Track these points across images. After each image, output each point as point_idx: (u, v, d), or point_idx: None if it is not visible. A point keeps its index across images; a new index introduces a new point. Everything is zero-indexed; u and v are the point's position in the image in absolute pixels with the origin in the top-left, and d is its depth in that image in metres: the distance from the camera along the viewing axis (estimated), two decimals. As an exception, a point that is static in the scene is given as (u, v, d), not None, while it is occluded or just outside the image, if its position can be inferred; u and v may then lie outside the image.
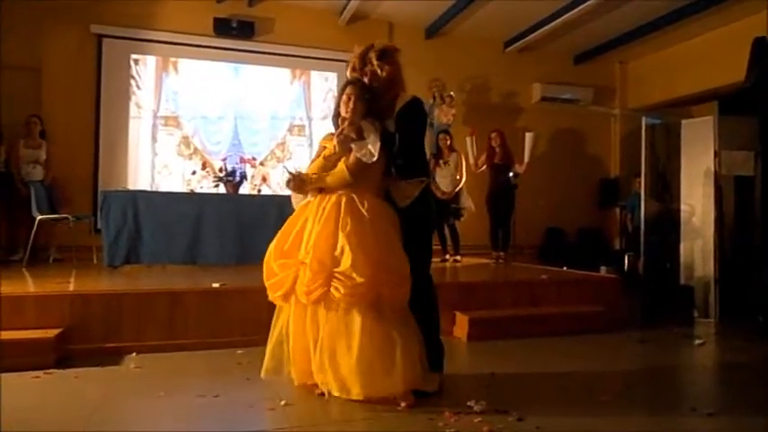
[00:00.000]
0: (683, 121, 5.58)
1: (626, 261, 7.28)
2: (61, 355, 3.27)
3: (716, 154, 5.18)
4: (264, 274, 2.75)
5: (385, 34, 8.01)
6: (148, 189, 6.98)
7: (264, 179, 7.58)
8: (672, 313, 5.12)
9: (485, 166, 6.88)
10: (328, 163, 2.78)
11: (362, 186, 2.71)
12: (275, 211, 5.67)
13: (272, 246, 2.78)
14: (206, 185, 6.72)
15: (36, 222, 5.71)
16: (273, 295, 2.72)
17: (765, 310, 4.60)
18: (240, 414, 2.51)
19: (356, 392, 2.48)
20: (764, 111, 5.12)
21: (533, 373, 3.25)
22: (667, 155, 5.62)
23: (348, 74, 3.03)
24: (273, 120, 7.82)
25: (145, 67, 7.35)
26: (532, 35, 8.04)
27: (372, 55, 2.87)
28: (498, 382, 3.02)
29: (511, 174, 6.68)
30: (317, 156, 2.92)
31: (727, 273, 5.11)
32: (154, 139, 7.34)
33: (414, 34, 8.18)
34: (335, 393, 2.53)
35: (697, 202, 5.34)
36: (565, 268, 5.78)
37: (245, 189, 6.47)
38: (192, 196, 6.03)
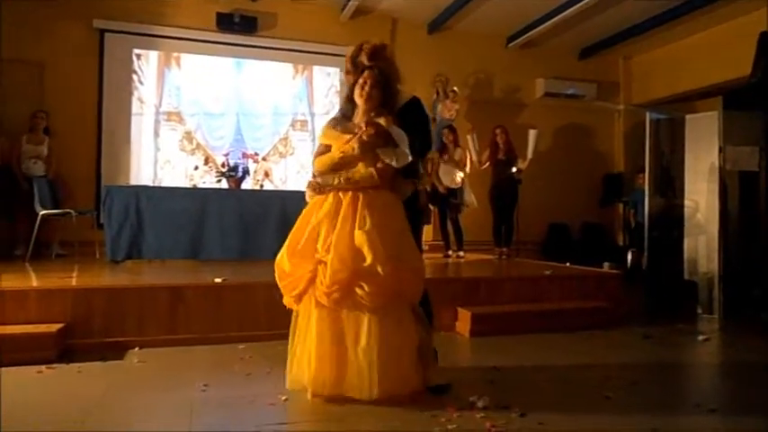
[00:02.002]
0: (688, 117, 5.54)
1: (629, 257, 7.27)
2: (64, 349, 3.28)
3: (720, 149, 5.14)
4: (277, 275, 2.64)
5: (387, 29, 7.99)
6: (151, 184, 6.98)
7: (267, 174, 7.53)
8: (675, 309, 5.11)
9: (488, 163, 6.85)
10: (344, 162, 2.63)
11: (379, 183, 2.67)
12: (278, 205, 5.70)
13: (284, 246, 2.64)
14: (208, 181, 6.71)
15: (39, 217, 5.72)
16: (288, 297, 2.62)
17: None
18: (241, 409, 2.51)
19: (377, 393, 2.44)
20: (770, 106, 5.09)
21: (536, 369, 3.23)
22: (671, 150, 5.59)
23: (345, 78, 3.00)
24: (276, 115, 7.81)
25: (147, 62, 7.34)
26: (535, 30, 8.00)
27: (364, 58, 2.83)
28: (501, 377, 3.01)
29: (514, 169, 6.66)
30: (321, 152, 2.76)
31: (731, 269, 5.08)
32: (156, 134, 7.34)
33: (416, 29, 8.15)
34: (357, 396, 2.46)
35: (701, 198, 5.31)
36: (568, 264, 5.77)
37: (247, 184, 6.46)
38: (194, 191, 6.02)
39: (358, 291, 2.46)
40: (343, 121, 2.78)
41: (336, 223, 2.55)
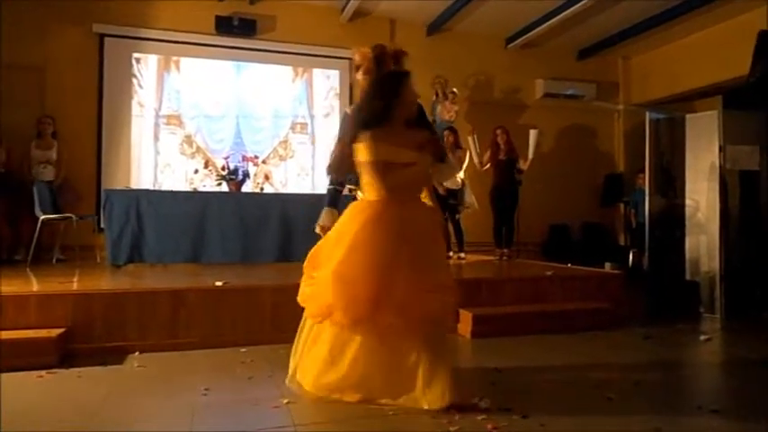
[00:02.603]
0: (688, 116, 5.54)
1: (630, 257, 7.26)
2: (64, 354, 3.27)
3: (721, 148, 5.14)
4: (335, 294, 2.44)
5: (387, 31, 8.00)
6: (151, 188, 6.99)
7: (267, 177, 7.57)
8: (677, 309, 5.09)
9: (489, 164, 6.85)
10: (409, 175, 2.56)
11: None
12: (278, 208, 5.71)
13: (334, 265, 2.46)
14: (209, 184, 6.72)
15: (39, 222, 5.72)
16: (344, 320, 2.44)
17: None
18: (243, 412, 2.50)
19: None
20: (770, 105, 5.09)
21: (538, 371, 3.22)
22: (671, 150, 5.58)
23: (360, 76, 2.97)
24: (276, 118, 7.82)
25: (146, 66, 7.35)
26: (535, 31, 8.02)
27: (389, 59, 2.87)
28: (502, 379, 3.00)
29: (514, 170, 6.67)
30: (383, 169, 2.53)
31: (732, 268, 5.08)
32: (156, 137, 7.35)
33: (415, 31, 8.16)
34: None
35: (702, 198, 5.31)
36: (569, 265, 5.76)
37: (247, 187, 6.47)
38: (194, 195, 6.03)
39: (418, 310, 2.43)
40: (385, 128, 2.55)
41: (389, 245, 2.46)
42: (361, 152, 2.56)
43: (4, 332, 3.21)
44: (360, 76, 2.95)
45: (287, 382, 2.66)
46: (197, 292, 3.81)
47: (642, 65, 9.13)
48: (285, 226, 5.68)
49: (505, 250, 6.71)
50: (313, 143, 7.95)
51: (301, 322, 2.70)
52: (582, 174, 8.92)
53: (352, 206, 2.66)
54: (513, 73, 8.70)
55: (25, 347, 3.13)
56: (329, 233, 2.67)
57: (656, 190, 5.67)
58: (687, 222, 5.41)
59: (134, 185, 6.95)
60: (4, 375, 2.90)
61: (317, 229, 2.92)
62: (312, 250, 2.68)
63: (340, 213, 2.77)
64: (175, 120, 7.45)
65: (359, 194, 3.00)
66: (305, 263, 2.68)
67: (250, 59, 7.70)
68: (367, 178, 2.59)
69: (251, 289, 3.92)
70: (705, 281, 5.20)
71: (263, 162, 7.59)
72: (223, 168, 6.31)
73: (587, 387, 2.90)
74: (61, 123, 6.63)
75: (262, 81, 7.77)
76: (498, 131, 6.83)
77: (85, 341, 3.42)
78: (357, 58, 2.98)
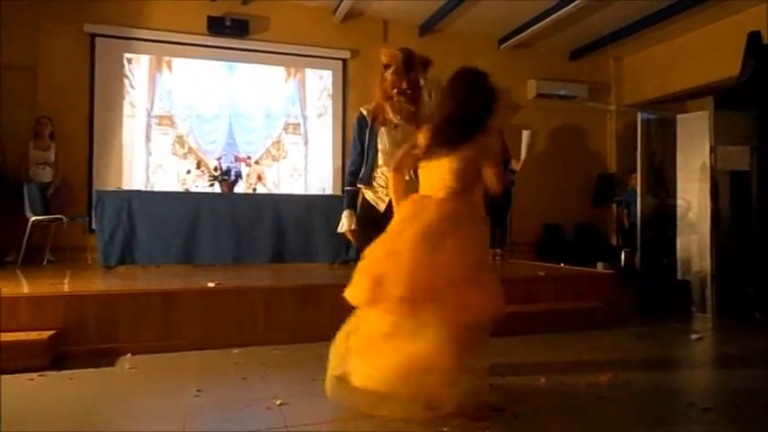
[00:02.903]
0: (679, 117, 5.56)
1: (623, 257, 7.28)
2: (56, 356, 3.24)
3: (712, 149, 5.17)
4: (407, 288, 2.31)
5: (379, 32, 8.00)
6: (143, 189, 6.95)
7: (260, 178, 7.56)
8: (669, 309, 5.12)
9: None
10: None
11: None
12: (271, 209, 5.69)
13: (444, 265, 2.37)
14: (201, 185, 6.69)
15: (30, 223, 5.68)
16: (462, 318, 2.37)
17: (762, 304, 4.59)
18: (236, 414, 2.49)
19: None
20: (760, 105, 5.11)
21: (530, 370, 3.23)
22: (663, 150, 5.61)
23: (388, 75, 3.10)
24: (268, 118, 7.80)
25: (138, 67, 7.31)
26: (527, 32, 8.04)
27: (417, 63, 3.08)
28: (495, 379, 3.00)
29: (507, 171, 6.68)
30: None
31: (723, 267, 5.11)
32: (148, 138, 7.31)
33: (408, 32, 8.16)
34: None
35: (693, 198, 5.34)
36: (562, 265, 5.78)
37: (240, 188, 6.45)
38: (186, 196, 6.02)
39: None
40: None
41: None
42: (488, 148, 2.65)
43: (-6, 334, 3.19)
44: (388, 75, 3.11)
45: (328, 391, 2.45)
46: (189, 293, 3.80)
47: (634, 65, 9.17)
48: (278, 227, 5.67)
49: (498, 251, 6.71)
50: (306, 144, 7.94)
51: (352, 325, 2.47)
52: (574, 174, 8.95)
53: (458, 206, 2.55)
54: (505, 73, 8.66)
55: (16, 350, 3.10)
56: (406, 228, 2.49)
57: (647, 190, 5.69)
58: (678, 222, 5.43)
59: (126, 186, 6.91)
60: (-5, 378, 2.88)
61: (344, 232, 3.04)
62: (375, 263, 2.44)
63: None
64: (167, 120, 7.41)
65: (370, 194, 3.07)
66: (370, 271, 2.42)
67: (242, 60, 7.68)
68: (474, 178, 2.62)
69: (243, 290, 3.90)
70: (696, 280, 5.22)
71: (256, 162, 7.57)
72: (215, 169, 6.29)
73: (580, 386, 2.90)
74: (53, 123, 6.57)
75: (254, 81, 7.74)
76: (491, 132, 6.83)
77: (77, 343, 3.40)
78: (384, 58, 3.11)
